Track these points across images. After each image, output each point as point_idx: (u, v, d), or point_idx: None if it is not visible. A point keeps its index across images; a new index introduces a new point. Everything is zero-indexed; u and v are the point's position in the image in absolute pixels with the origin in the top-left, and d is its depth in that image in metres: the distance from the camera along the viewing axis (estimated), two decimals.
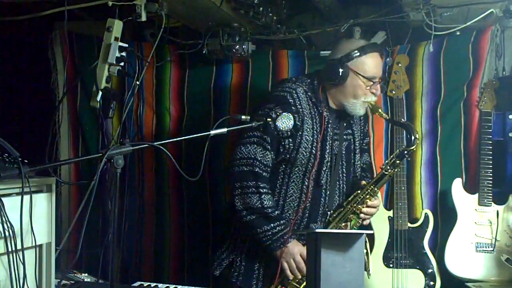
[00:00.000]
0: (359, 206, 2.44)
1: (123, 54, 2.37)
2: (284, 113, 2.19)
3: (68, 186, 3.36)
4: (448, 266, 2.93)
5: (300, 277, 2.36)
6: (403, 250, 2.98)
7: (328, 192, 2.45)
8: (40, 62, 3.33)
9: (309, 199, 2.41)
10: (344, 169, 2.51)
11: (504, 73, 3.06)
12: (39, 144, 2.99)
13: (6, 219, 1.56)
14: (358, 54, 2.36)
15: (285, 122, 2.22)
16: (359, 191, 2.46)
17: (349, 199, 2.47)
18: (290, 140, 2.34)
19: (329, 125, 2.42)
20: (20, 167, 1.52)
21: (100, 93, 2.37)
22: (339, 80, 2.36)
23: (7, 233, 1.57)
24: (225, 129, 2.03)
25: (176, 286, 2.27)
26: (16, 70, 3.37)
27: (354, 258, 1.89)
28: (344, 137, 2.50)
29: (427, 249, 3.00)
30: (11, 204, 1.59)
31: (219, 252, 2.53)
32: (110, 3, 2.34)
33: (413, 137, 2.37)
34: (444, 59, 3.06)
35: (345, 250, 1.88)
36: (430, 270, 2.98)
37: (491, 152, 2.93)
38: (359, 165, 2.62)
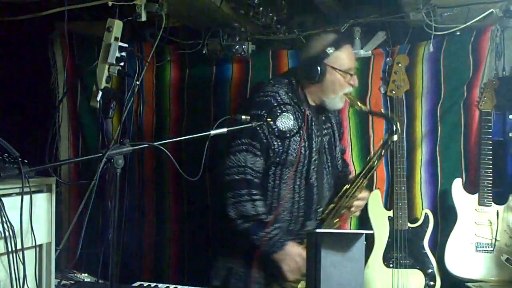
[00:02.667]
0: (350, 199, 2.43)
1: (123, 54, 2.36)
2: (284, 113, 2.19)
3: (68, 186, 3.36)
4: (448, 266, 2.93)
5: (298, 278, 2.35)
6: (403, 250, 2.98)
7: (318, 189, 2.45)
8: (40, 62, 3.33)
9: (302, 198, 2.41)
10: (329, 163, 2.52)
11: (504, 73, 3.06)
12: (39, 144, 2.99)
13: (6, 219, 1.56)
14: (332, 50, 2.37)
15: (285, 122, 2.22)
16: (348, 186, 2.44)
17: (339, 194, 2.45)
18: (280, 142, 2.34)
19: (313, 123, 2.42)
20: (20, 167, 1.52)
21: (100, 93, 2.37)
22: (318, 78, 2.37)
23: (7, 233, 1.57)
24: (225, 129, 2.03)
25: (176, 286, 2.27)
26: (16, 70, 3.37)
27: (354, 258, 1.89)
28: (325, 131, 2.51)
29: (427, 249, 3.00)
30: (11, 204, 1.59)
31: (216, 261, 2.51)
32: (110, 3, 2.34)
33: (394, 127, 2.36)
34: (444, 59, 3.06)
35: (345, 250, 1.88)
36: (430, 270, 2.98)
37: (491, 152, 2.94)
38: (339, 157, 2.64)
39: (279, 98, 2.37)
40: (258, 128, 2.28)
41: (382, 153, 2.41)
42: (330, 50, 2.36)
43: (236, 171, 2.32)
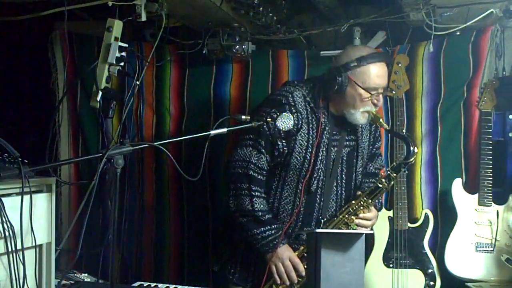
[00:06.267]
0: (351, 217, 2.40)
1: (123, 54, 2.36)
2: (284, 113, 2.19)
3: (68, 186, 3.36)
4: (448, 266, 2.93)
5: (288, 283, 2.34)
6: (403, 250, 2.98)
7: (322, 199, 2.41)
8: (40, 62, 3.33)
9: (303, 204, 2.39)
10: (344, 176, 2.45)
11: (504, 73, 3.06)
12: (39, 144, 2.98)
13: (6, 219, 1.56)
14: (356, 64, 2.28)
15: (285, 122, 2.21)
16: (353, 202, 2.42)
17: (343, 209, 2.43)
18: (285, 143, 2.33)
19: (326, 132, 2.37)
20: (20, 167, 1.52)
21: (100, 93, 2.37)
22: (337, 89, 2.29)
23: (7, 233, 1.57)
24: (225, 129, 2.03)
25: (176, 286, 2.27)
26: (16, 70, 3.37)
27: (354, 258, 1.89)
28: (346, 143, 2.44)
29: (427, 249, 3.00)
30: (11, 204, 1.59)
31: (218, 248, 2.55)
32: (110, 3, 2.34)
33: (411, 150, 2.29)
34: (444, 59, 3.06)
35: (345, 250, 1.88)
36: (430, 270, 2.98)
37: (491, 152, 2.93)
38: (361, 172, 2.54)
39: (291, 99, 2.34)
40: (265, 126, 2.28)
41: (392, 175, 2.34)
42: (353, 64, 2.28)
43: (239, 165, 2.33)
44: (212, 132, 2.00)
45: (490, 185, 2.92)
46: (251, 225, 2.32)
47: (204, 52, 3.07)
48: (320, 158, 2.36)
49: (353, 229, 2.39)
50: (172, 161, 1.81)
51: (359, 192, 2.44)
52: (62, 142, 3.37)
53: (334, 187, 2.44)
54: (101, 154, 1.60)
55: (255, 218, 2.32)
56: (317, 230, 1.99)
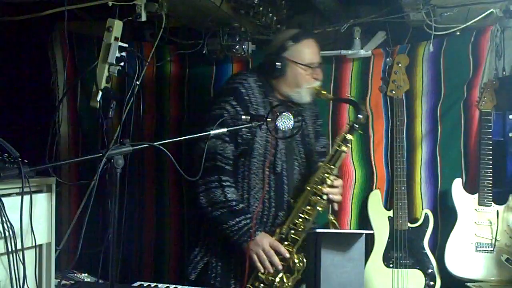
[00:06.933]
0: (319, 186, 2.39)
1: (123, 54, 2.36)
2: (284, 113, 2.19)
3: (68, 186, 3.36)
4: (448, 266, 2.93)
5: (271, 270, 2.32)
6: (403, 250, 2.98)
7: (289, 180, 2.44)
8: (40, 62, 3.33)
9: (272, 189, 2.41)
10: (302, 155, 2.51)
11: (504, 73, 3.06)
12: (39, 144, 2.98)
13: (6, 219, 1.56)
14: (292, 43, 2.41)
15: (285, 122, 2.21)
16: (316, 172, 2.42)
17: (309, 180, 2.43)
18: (247, 130, 2.33)
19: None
20: (20, 167, 1.52)
21: (100, 93, 2.37)
22: (279, 72, 2.40)
23: (7, 233, 1.56)
24: (225, 129, 2.03)
25: (176, 286, 2.27)
26: (16, 70, 3.37)
27: (354, 258, 1.90)
28: (296, 124, 2.44)
29: (427, 249, 3.00)
30: (11, 204, 1.59)
31: (192, 256, 2.48)
32: (110, 3, 2.34)
33: (359, 110, 2.38)
34: (444, 59, 3.06)
35: (345, 250, 1.89)
36: (430, 270, 2.98)
37: (491, 152, 2.94)
38: (315, 150, 2.61)
39: (247, 84, 2.41)
40: (225, 114, 2.30)
41: (347, 137, 2.38)
42: (288, 44, 2.40)
43: (206, 158, 2.25)
44: (212, 132, 2.00)
45: (490, 185, 2.92)
46: (226, 217, 2.31)
47: (204, 52, 3.06)
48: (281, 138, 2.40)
49: (322, 198, 2.39)
50: (172, 161, 1.81)
51: (320, 163, 2.45)
52: (62, 142, 3.37)
53: (296, 167, 2.48)
54: (101, 154, 1.60)
55: (229, 209, 2.31)
56: (317, 230, 1.99)
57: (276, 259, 2.31)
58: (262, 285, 2.35)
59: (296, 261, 2.31)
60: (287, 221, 2.37)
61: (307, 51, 2.44)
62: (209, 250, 2.46)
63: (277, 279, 2.33)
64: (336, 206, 2.52)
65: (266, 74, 2.46)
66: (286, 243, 2.35)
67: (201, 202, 2.35)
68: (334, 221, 2.47)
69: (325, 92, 2.48)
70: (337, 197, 2.44)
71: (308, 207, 2.38)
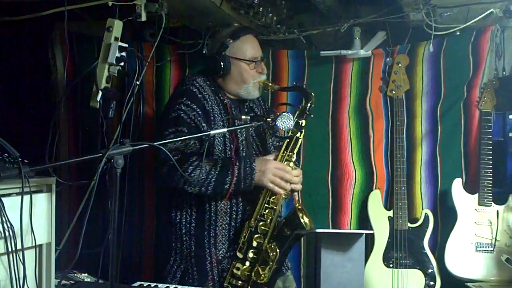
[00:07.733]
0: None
1: (123, 54, 2.36)
2: (284, 113, 2.19)
3: (68, 186, 3.36)
4: (448, 266, 2.93)
5: (289, 188, 2.33)
6: (403, 250, 2.98)
7: None
8: (40, 62, 3.32)
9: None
10: (260, 150, 2.52)
11: (504, 73, 3.06)
12: (39, 144, 2.98)
13: (6, 219, 1.56)
14: (231, 41, 2.43)
15: (285, 122, 2.22)
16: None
17: None
18: (206, 126, 2.33)
19: (233, 111, 2.44)
20: (20, 167, 1.52)
21: (100, 93, 2.37)
22: (224, 71, 2.41)
23: (7, 233, 1.56)
24: (225, 129, 2.04)
25: (176, 286, 2.27)
26: (16, 70, 3.37)
27: (354, 258, 1.90)
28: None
29: (427, 249, 3.00)
30: (11, 204, 1.59)
31: (169, 267, 2.45)
32: (110, 3, 2.34)
33: (307, 95, 2.40)
34: (444, 59, 3.06)
35: (345, 250, 1.89)
36: (430, 270, 2.98)
37: (491, 152, 2.94)
38: (271, 144, 2.60)
39: (197, 84, 2.41)
40: (182, 115, 2.29)
41: (300, 122, 2.37)
42: (228, 42, 2.42)
43: (172, 155, 2.17)
44: (212, 132, 2.01)
45: (490, 185, 2.92)
46: (222, 179, 2.26)
47: (204, 52, 3.06)
48: (240, 137, 2.40)
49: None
50: (172, 161, 1.81)
51: (276, 152, 2.41)
52: (62, 142, 3.37)
53: None
54: (101, 154, 1.60)
55: (216, 170, 2.25)
56: (317, 230, 1.99)
57: (287, 175, 2.31)
58: (240, 282, 2.34)
59: (269, 251, 2.30)
60: (254, 213, 2.35)
61: (247, 47, 2.46)
62: (183, 257, 2.42)
63: (253, 274, 2.31)
64: (296, 196, 2.50)
65: (212, 75, 2.47)
66: (256, 235, 2.33)
67: (191, 191, 2.27)
68: (299, 207, 2.41)
69: (271, 84, 2.52)
70: (298, 186, 2.42)
71: (273, 198, 2.35)
